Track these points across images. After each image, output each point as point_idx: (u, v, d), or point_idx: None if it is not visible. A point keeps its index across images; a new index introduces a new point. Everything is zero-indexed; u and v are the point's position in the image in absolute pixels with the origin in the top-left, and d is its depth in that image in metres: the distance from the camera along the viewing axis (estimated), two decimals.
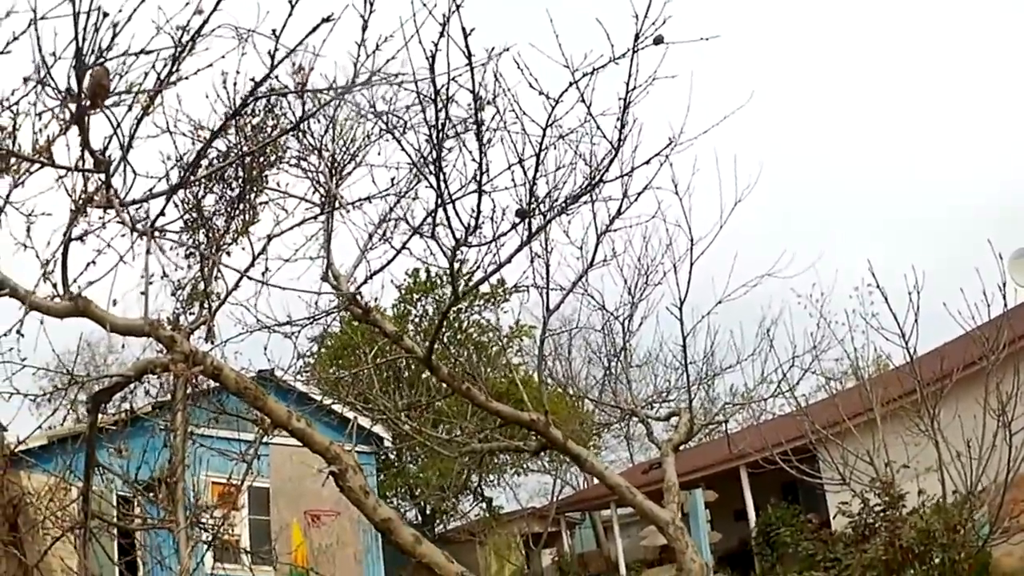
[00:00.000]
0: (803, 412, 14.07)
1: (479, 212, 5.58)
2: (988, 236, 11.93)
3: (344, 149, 7.01)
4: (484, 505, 28.66)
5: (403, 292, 27.35)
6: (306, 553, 15.56)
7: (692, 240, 7.60)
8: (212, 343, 6.46)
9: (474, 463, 24.11)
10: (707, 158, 6.98)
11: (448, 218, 5.77)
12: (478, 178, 5.49)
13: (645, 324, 8.79)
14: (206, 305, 6.59)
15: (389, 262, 6.87)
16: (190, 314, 6.68)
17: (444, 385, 7.69)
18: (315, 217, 6.98)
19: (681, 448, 8.49)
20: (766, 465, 13.82)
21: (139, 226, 5.48)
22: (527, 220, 5.86)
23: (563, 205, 6.16)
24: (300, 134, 6.81)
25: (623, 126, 5.71)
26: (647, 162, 6.09)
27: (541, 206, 5.97)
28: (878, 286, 12.89)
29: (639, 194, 6.51)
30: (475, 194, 5.57)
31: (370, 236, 7.00)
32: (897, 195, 56.53)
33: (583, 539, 36.98)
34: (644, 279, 8.26)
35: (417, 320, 28.19)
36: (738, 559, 23.12)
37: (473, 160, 5.51)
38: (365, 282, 6.92)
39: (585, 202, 6.43)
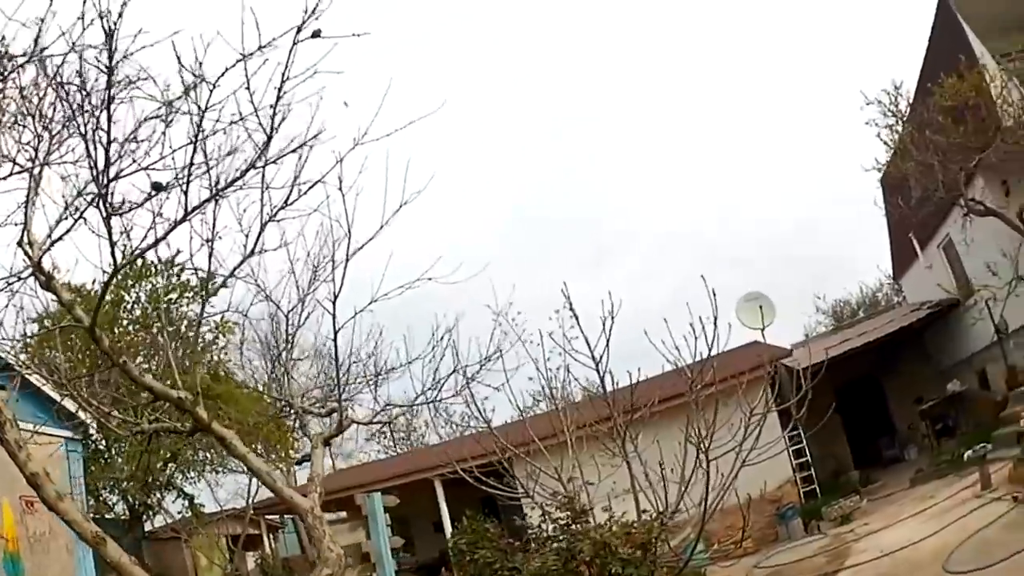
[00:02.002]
0: (491, 431, 14.42)
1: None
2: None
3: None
4: (186, 503, 27.80)
5: (120, 277, 26.20)
6: (15, 537, 14.63)
7: (350, 236, 8.01)
8: None
9: (156, 448, 23.68)
10: (398, 159, 7.58)
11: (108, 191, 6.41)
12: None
13: (314, 319, 9.10)
14: None
15: (66, 232, 6.96)
16: None
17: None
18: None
19: (331, 442, 8.85)
20: (466, 477, 14.25)
21: None
22: (164, 193, 6.60)
23: (224, 185, 6.76)
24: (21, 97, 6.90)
25: (275, 115, 6.44)
26: (295, 151, 6.87)
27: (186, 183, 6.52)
28: (571, 309, 13.24)
29: (309, 187, 7.23)
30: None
31: (66, 206, 7.05)
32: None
33: (287, 543, 36.64)
34: (312, 273, 8.66)
35: (130, 306, 27.18)
36: (436, 569, 24.17)
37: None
38: (48, 249, 6.96)
39: (241, 186, 6.98)
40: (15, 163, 7.06)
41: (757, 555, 16.23)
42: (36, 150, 6.99)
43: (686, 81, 65.68)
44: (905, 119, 19.95)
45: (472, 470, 14.16)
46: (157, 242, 6.79)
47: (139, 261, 25.30)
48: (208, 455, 27.67)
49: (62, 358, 19.43)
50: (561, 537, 10.22)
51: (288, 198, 7.26)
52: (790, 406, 13.42)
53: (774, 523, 18.79)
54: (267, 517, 32.67)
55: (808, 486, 20.27)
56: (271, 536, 33.95)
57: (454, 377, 10.39)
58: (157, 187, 6.56)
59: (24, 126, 7.07)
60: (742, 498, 13.44)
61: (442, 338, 10.17)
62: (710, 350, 12.12)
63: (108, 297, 25.36)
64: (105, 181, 6.43)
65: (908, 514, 14.06)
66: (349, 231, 7.99)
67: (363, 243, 8.05)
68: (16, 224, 6.96)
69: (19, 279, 7.52)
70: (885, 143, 20.82)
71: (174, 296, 27.80)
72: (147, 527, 29.91)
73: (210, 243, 7.32)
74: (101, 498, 27.25)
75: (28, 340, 17.60)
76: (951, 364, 23.13)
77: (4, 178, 7.07)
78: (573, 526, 10.59)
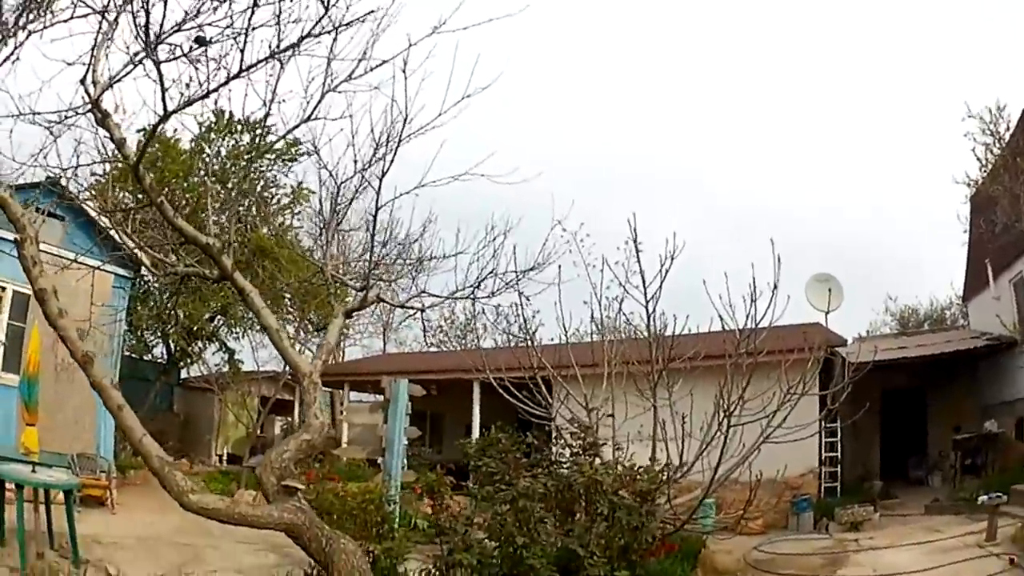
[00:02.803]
0: (530, 343, 14.65)
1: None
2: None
3: None
4: (227, 357, 28.30)
5: (202, 130, 26.55)
6: (38, 362, 14.74)
7: (406, 119, 8.07)
8: None
9: (206, 298, 24.32)
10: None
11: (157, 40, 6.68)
12: None
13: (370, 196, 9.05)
14: None
15: (122, 74, 7.17)
16: None
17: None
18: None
19: (353, 315, 8.93)
20: (495, 385, 14.26)
21: None
22: (205, 46, 6.83)
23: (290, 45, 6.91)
24: None
25: None
26: (350, 24, 7.03)
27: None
28: (636, 242, 13.19)
29: (377, 64, 7.38)
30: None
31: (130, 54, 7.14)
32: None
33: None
34: (372, 151, 8.60)
35: (208, 159, 27.43)
36: (460, 472, 24.11)
37: None
38: (106, 88, 7.21)
39: (296, 53, 7.18)
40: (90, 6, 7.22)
41: (761, 537, 16.05)
42: None
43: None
44: (1003, 142, 19.21)
45: (503, 380, 14.21)
46: (207, 94, 7.03)
47: (224, 117, 25.88)
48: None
49: (129, 196, 19.95)
50: (566, 465, 10.14)
51: (353, 72, 7.44)
52: (830, 394, 13.28)
53: (788, 511, 18.54)
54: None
55: (831, 482, 19.98)
56: (303, 405, 34.06)
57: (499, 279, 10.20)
58: (200, 41, 6.82)
59: None
60: (764, 477, 13.34)
61: (494, 238, 9.98)
62: (760, 319, 12.06)
63: (187, 147, 25.97)
64: (156, 32, 6.71)
65: (913, 541, 13.80)
66: (406, 114, 8.05)
67: (419, 128, 8.15)
68: (83, 64, 7.21)
69: (77, 113, 7.71)
70: (979, 160, 20.15)
71: (254, 155, 28.18)
72: (183, 374, 30.66)
73: (268, 104, 7.55)
74: (143, 338, 27.91)
75: (98, 177, 18.04)
76: (994, 402, 22.44)
77: (78, 18, 7.32)
78: (581, 457, 10.49)
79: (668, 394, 13.12)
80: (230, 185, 27.93)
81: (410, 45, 7.33)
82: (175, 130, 23.08)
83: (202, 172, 27.40)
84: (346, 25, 7.07)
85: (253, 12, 6.66)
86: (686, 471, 12.39)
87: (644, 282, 13.17)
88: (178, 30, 6.78)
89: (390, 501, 12.00)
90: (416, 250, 10.30)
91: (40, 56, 7.03)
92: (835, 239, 50.17)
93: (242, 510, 6.93)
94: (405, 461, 13.77)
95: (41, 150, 7.90)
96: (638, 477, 9.90)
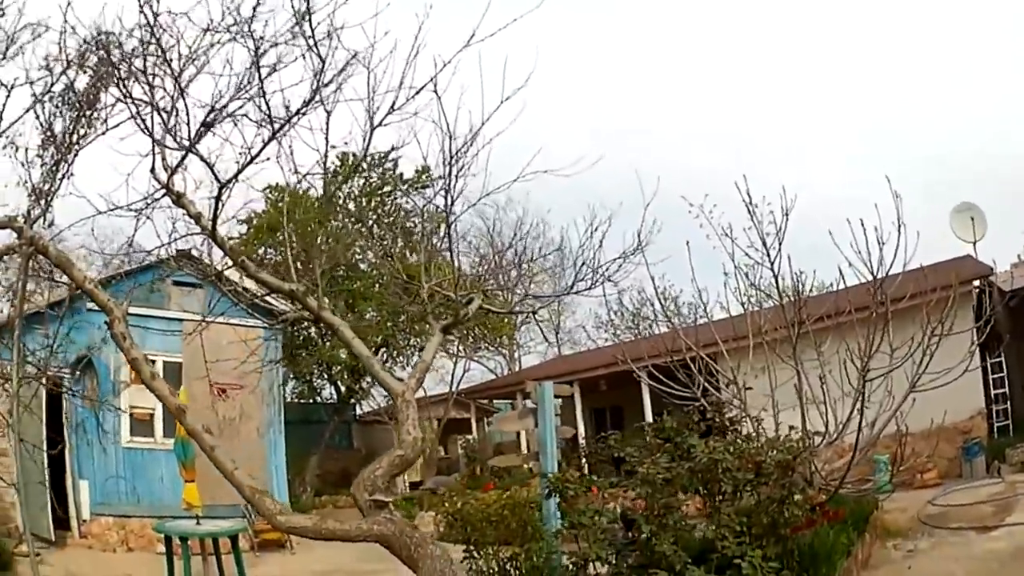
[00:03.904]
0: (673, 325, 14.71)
1: None
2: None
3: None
4: None
5: (331, 175, 27.46)
6: None
7: (451, 137, 8.21)
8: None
9: (364, 335, 24.81)
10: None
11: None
12: None
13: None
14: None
15: (181, 161, 7.76)
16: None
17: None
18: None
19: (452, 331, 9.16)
20: (637, 373, 14.33)
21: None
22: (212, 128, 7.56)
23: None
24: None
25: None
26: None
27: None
28: (750, 201, 12.71)
29: (415, 92, 7.75)
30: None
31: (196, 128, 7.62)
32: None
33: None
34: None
35: (342, 201, 28.37)
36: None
37: None
38: (173, 174, 7.85)
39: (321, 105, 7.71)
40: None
41: (937, 490, 15.33)
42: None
43: None
44: None
45: (649, 367, 14.20)
46: (253, 158, 7.71)
47: (350, 159, 26.75)
48: (417, 340, 28.55)
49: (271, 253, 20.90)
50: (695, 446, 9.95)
51: (394, 103, 7.83)
52: (981, 327, 12.70)
53: (960, 457, 17.65)
54: (479, 402, 33.27)
55: (1002, 421, 18.92)
56: (482, 421, 34.47)
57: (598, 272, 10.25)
58: (206, 125, 7.49)
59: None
60: (934, 425, 13.14)
61: (596, 228, 9.98)
62: (892, 262, 11.61)
63: (317, 195, 27.01)
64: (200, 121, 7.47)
65: None
66: (451, 132, 8.23)
67: (464, 140, 8.35)
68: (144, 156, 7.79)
69: (155, 200, 8.33)
70: None
71: (388, 189, 29.00)
72: (358, 410, 31.72)
73: (324, 154, 8.18)
74: (311, 383, 29.06)
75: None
76: None
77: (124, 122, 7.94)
78: (712, 438, 10.27)
79: (817, 354, 12.66)
80: (371, 223, 28.99)
81: (445, 64, 7.62)
82: (300, 180, 23.93)
83: (341, 215, 28.42)
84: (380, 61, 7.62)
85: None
86: (839, 433, 11.97)
87: (765, 245, 12.70)
88: (215, 114, 7.49)
89: (538, 504, 12.17)
90: (517, 254, 10.53)
91: (114, 152, 7.66)
92: (973, 167, 47.32)
93: (329, 526, 7.32)
94: (557, 462, 13.88)
95: (134, 235, 8.79)
96: (774, 448, 9.61)
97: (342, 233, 26.41)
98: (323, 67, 7.43)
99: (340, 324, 8.79)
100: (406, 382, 8.55)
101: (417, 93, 7.79)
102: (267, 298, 10.61)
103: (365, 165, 27.11)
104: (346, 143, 8.78)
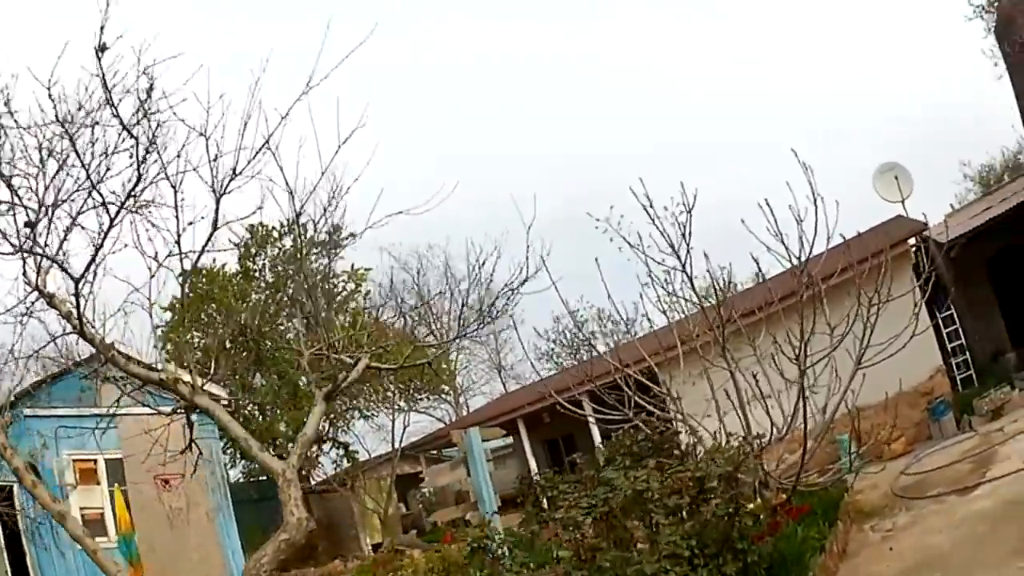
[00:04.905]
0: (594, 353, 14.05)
1: None
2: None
3: None
4: (342, 452, 28.55)
5: (242, 248, 26.79)
6: (129, 519, 16.00)
7: (292, 194, 8.44)
8: None
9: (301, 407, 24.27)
10: None
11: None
12: None
13: None
14: None
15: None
16: None
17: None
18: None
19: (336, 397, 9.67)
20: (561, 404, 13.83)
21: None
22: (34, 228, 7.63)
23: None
24: None
25: None
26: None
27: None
28: (650, 204, 12.24)
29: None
30: None
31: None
32: None
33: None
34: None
35: (257, 273, 27.63)
36: None
37: None
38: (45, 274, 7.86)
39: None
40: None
41: (909, 458, 14.65)
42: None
43: None
44: None
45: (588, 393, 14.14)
46: (98, 249, 7.75)
47: (261, 230, 25.99)
48: (357, 402, 28.72)
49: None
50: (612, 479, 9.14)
51: (236, 167, 7.90)
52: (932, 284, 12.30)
53: (927, 419, 16.92)
54: (429, 453, 32.84)
55: (964, 372, 18.39)
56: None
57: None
58: (29, 224, 7.66)
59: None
60: (892, 392, 12.78)
61: (483, 264, 9.71)
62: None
63: (234, 270, 26.44)
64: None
65: None
66: (291, 188, 8.47)
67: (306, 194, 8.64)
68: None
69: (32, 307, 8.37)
70: None
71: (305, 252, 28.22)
72: (313, 480, 30.83)
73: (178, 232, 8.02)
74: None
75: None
76: None
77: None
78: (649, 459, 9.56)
79: (753, 350, 12.36)
80: (290, 289, 28.22)
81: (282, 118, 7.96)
82: (213, 260, 23.53)
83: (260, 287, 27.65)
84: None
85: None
86: (788, 426, 11.68)
87: (674, 248, 12.24)
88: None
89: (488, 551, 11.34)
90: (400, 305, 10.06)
91: None
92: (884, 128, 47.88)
93: None
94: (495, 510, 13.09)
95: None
96: (714, 460, 8.91)
97: (261, 307, 25.93)
98: (136, 144, 7.49)
99: (214, 407, 8.64)
100: (287, 460, 8.06)
101: (256, 154, 7.89)
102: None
103: (277, 234, 26.37)
104: (202, 217, 8.41)
